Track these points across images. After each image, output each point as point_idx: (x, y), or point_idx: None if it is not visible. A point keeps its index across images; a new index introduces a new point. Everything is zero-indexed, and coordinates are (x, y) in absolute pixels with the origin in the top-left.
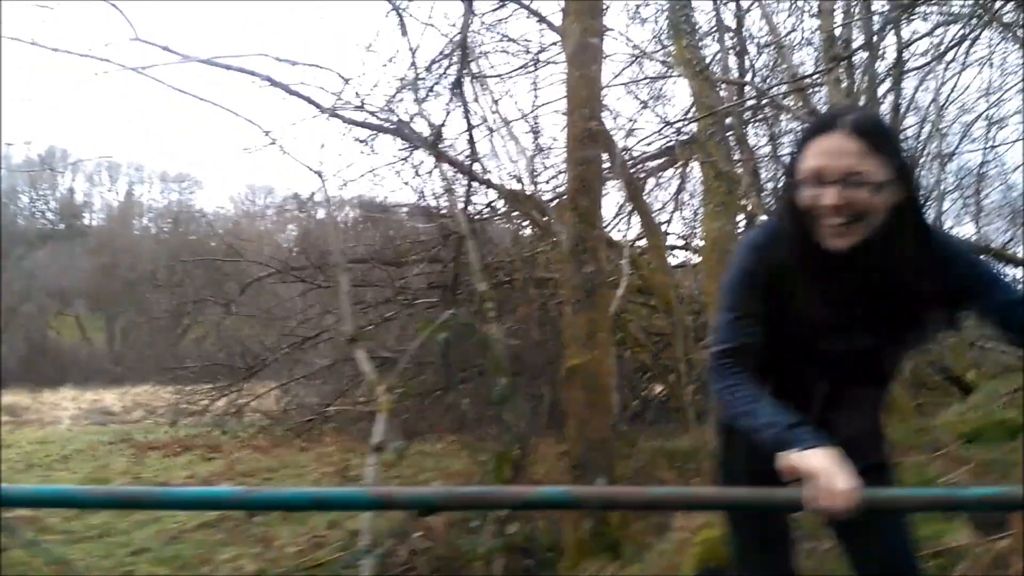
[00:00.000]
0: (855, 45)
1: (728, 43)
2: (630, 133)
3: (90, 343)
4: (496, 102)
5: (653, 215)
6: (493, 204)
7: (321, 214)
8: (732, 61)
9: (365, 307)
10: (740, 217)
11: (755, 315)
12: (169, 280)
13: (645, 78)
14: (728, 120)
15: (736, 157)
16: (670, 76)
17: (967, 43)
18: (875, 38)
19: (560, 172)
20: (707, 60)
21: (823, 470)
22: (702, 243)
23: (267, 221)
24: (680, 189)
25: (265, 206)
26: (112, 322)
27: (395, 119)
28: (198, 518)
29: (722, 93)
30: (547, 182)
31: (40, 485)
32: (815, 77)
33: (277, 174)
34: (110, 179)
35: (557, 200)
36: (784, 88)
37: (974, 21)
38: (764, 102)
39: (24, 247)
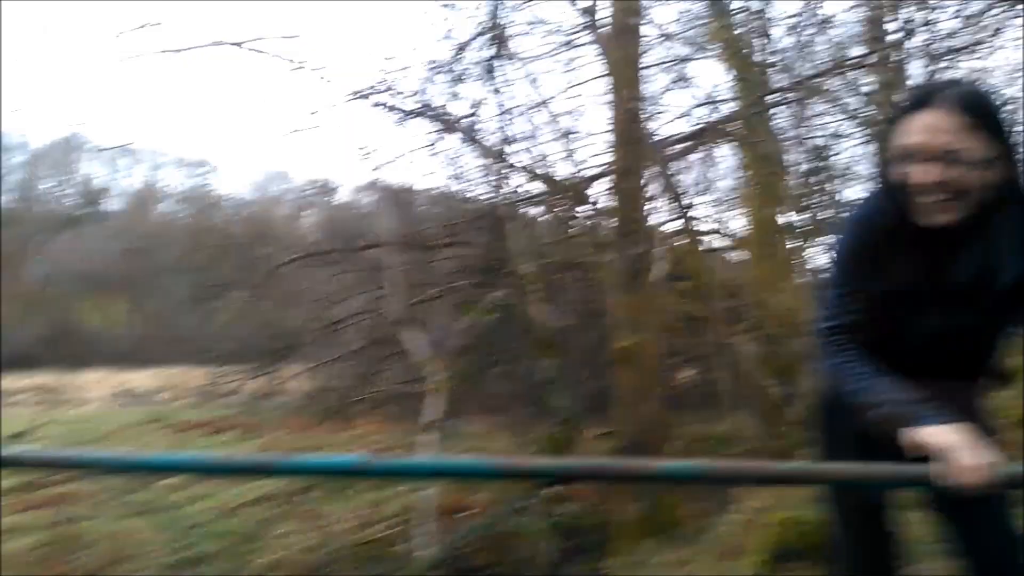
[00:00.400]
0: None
1: (759, 23)
2: (659, 114)
3: (115, 326)
4: (529, 84)
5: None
6: (528, 187)
7: (343, 198)
8: (763, 42)
9: (391, 288)
10: (786, 201)
11: (862, 291)
12: (193, 264)
13: (675, 59)
14: (771, 101)
15: (779, 139)
16: (702, 57)
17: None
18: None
19: (597, 154)
20: (745, 40)
21: (956, 445)
22: (739, 227)
23: (286, 206)
24: (708, 172)
25: (284, 191)
26: (136, 305)
27: (428, 102)
28: (250, 494)
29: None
30: (582, 165)
31: (167, 453)
32: (866, 58)
33: (293, 160)
34: (130, 164)
35: (597, 183)
36: (829, 70)
37: None
38: (817, 83)
39: (49, 232)
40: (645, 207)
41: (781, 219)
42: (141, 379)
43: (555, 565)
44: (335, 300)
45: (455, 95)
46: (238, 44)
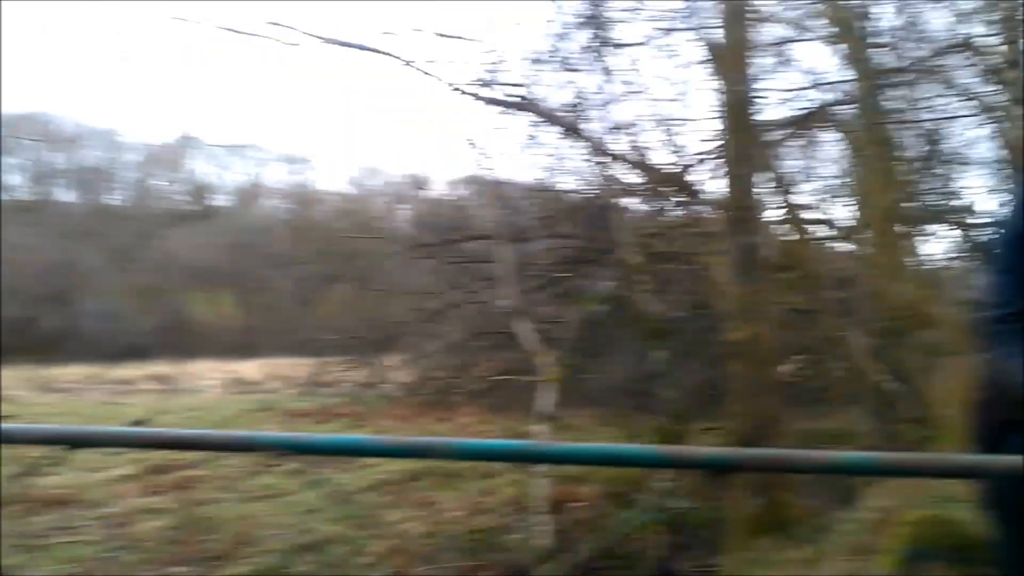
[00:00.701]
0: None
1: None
2: (768, 100)
3: (223, 318)
4: (632, 72)
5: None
6: (631, 177)
7: (438, 192)
8: (875, 22)
9: (493, 280)
10: (903, 187)
11: None
12: (296, 258)
13: (783, 40)
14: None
15: (894, 123)
16: (808, 39)
17: None
18: None
19: (703, 142)
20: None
21: None
22: (849, 215)
23: (381, 200)
24: (817, 158)
25: (380, 186)
26: (243, 298)
27: (529, 94)
28: (364, 480)
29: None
30: (686, 153)
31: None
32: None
33: (390, 154)
34: (237, 162)
35: (703, 171)
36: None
37: None
38: (931, 63)
39: (161, 227)
40: (757, 195)
41: (898, 206)
42: (248, 369)
43: (665, 559)
44: (435, 292)
45: (556, 86)
46: (343, 43)
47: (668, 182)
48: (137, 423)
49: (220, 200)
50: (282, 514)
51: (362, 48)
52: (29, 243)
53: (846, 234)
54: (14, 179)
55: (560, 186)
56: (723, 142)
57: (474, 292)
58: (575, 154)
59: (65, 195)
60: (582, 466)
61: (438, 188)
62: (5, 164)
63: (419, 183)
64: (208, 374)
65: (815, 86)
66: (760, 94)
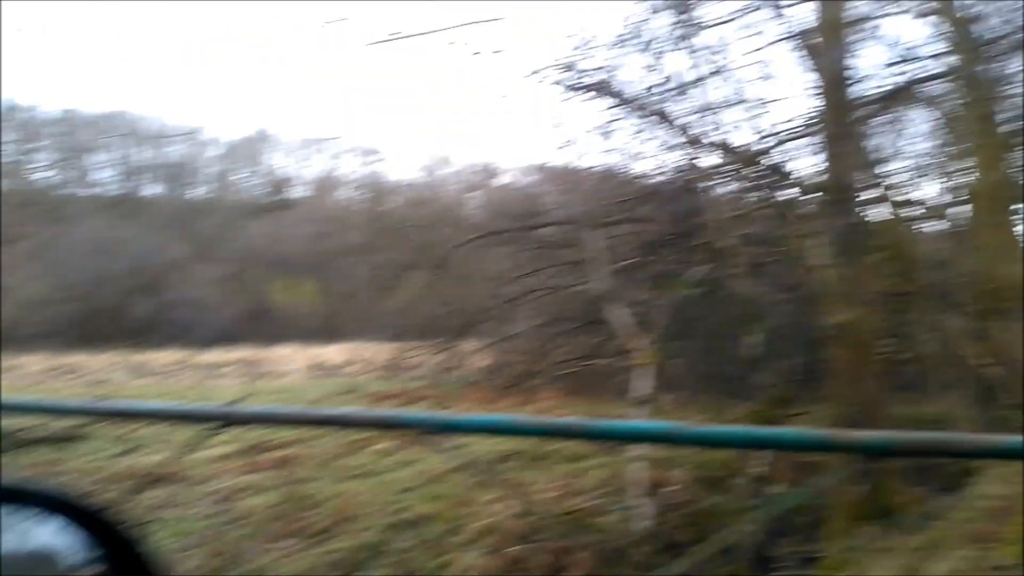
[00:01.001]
0: None
1: None
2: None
3: (303, 305)
4: (716, 52)
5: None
6: (717, 159)
7: (511, 180)
8: None
9: (572, 265)
10: (1010, 162)
11: None
12: (373, 246)
13: (878, 16)
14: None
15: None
16: (902, 12)
17: None
18: None
19: (793, 121)
20: None
21: None
22: (948, 195)
23: (453, 188)
24: (912, 136)
25: (452, 174)
26: (322, 285)
27: (609, 78)
28: (451, 461)
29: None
30: (774, 133)
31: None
32: None
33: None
34: (313, 155)
35: (793, 151)
36: None
37: None
38: None
39: (243, 219)
40: (854, 174)
41: (1006, 183)
42: (329, 354)
43: (761, 545)
44: (513, 278)
45: (638, 69)
46: (418, 34)
47: (756, 164)
48: (230, 404)
49: (298, 192)
50: (377, 492)
51: (436, 38)
52: (121, 236)
53: (941, 213)
54: (105, 175)
55: (641, 170)
56: (817, 121)
57: (552, 277)
58: (657, 137)
59: (153, 190)
60: (729, 449)
61: (511, 175)
62: (97, 161)
63: (492, 171)
64: (291, 358)
65: (909, 60)
66: (855, 71)
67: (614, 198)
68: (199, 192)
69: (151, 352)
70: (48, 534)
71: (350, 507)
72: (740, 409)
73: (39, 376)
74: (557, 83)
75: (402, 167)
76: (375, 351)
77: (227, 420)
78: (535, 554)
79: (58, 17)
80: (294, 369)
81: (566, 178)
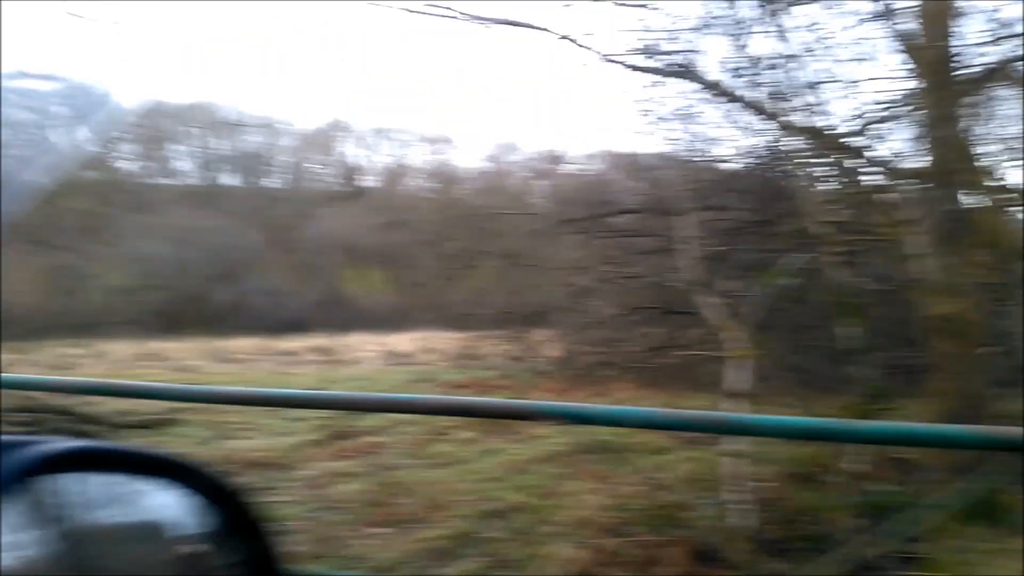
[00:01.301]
0: None
1: None
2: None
3: (374, 293)
4: (805, 31)
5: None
6: (806, 144)
7: (582, 166)
8: None
9: (649, 254)
10: None
11: None
12: (442, 235)
13: None
14: None
15: None
16: None
17: None
18: None
19: (886, 104)
20: None
21: None
22: None
23: (523, 176)
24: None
25: (520, 161)
26: (393, 274)
27: (689, 61)
28: (536, 451)
29: None
30: (864, 116)
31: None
32: None
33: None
34: (383, 143)
35: (890, 134)
36: None
37: None
38: None
39: (316, 208)
40: (959, 159)
41: None
42: (400, 342)
43: (862, 544)
44: (585, 267)
45: (721, 50)
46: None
47: (847, 148)
48: (316, 390)
49: (369, 181)
50: (463, 481)
51: (509, 23)
52: (201, 225)
53: None
54: (185, 165)
55: (723, 155)
56: (915, 103)
57: (628, 266)
58: (741, 121)
59: (230, 180)
60: (825, 443)
61: (582, 162)
62: (178, 151)
63: (561, 158)
64: (363, 346)
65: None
66: (957, 49)
67: (695, 184)
68: (274, 182)
69: (231, 339)
70: (166, 501)
71: (439, 495)
72: (835, 403)
73: (128, 362)
74: (635, 67)
75: (471, 155)
76: (445, 340)
77: (314, 406)
78: (628, 548)
79: (139, 9)
80: (367, 357)
81: (643, 164)
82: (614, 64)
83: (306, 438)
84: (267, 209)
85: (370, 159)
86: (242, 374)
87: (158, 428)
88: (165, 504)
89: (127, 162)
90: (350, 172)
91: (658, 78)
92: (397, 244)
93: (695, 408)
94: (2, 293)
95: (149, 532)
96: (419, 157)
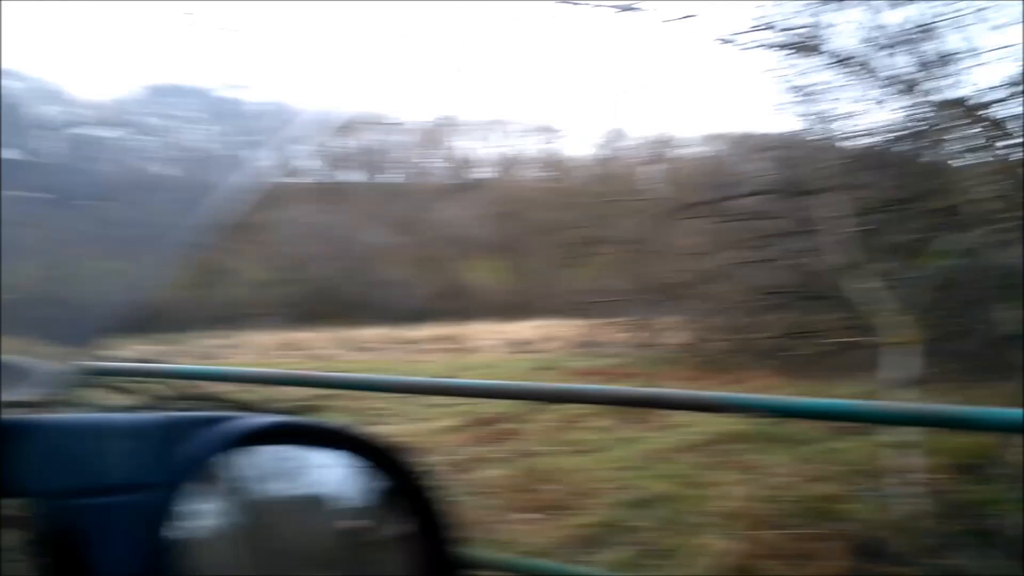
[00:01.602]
0: None
1: None
2: None
3: (493, 282)
4: None
5: None
6: (946, 118)
7: (699, 149)
8: None
9: (780, 236)
10: None
11: None
12: (557, 223)
13: None
14: None
15: None
16: None
17: None
18: None
19: None
20: None
21: None
22: None
23: (637, 161)
24: None
25: (633, 147)
26: (511, 263)
27: (813, 35)
28: (676, 440)
29: None
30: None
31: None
32: None
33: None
34: (494, 135)
35: None
36: None
37: None
38: None
39: (434, 201)
40: None
41: None
42: (520, 330)
43: None
44: (709, 251)
45: (851, 21)
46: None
47: (996, 120)
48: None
49: (483, 172)
50: (604, 468)
51: (619, 7)
52: (328, 221)
53: None
54: (314, 164)
55: (859, 131)
56: None
57: (757, 249)
58: (878, 96)
59: (354, 176)
60: (993, 433)
61: (699, 145)
62: (303, 150)
63: (676, 142)
64: (485, 335)
65: None
66: None
67: (834, 163)
68: (394, 177)
69: (360, 328)
70: (345, 474)
71: (582, 482)
72: (999, 390)
73: (269, 351)
74: (763, 44)
75: (583, 143)
76: (566, 328)
77: (450, 393)
78: (784, 541)
79: (260, 13)
80: (490, 345)
81: (769, 144)
82: (738, 41)
83: (445, 424)
84: (389, 203)
85: (484, 151)
86: (374, 362)
87: (305, 414)
88: (344, 477)
89: (258, 163)
90: (465, 165)
91: (787, 53)
92: (514, 233)
93: (848, 397)
94: (159, 290)
95: (327, 504)
96: (532, 147)
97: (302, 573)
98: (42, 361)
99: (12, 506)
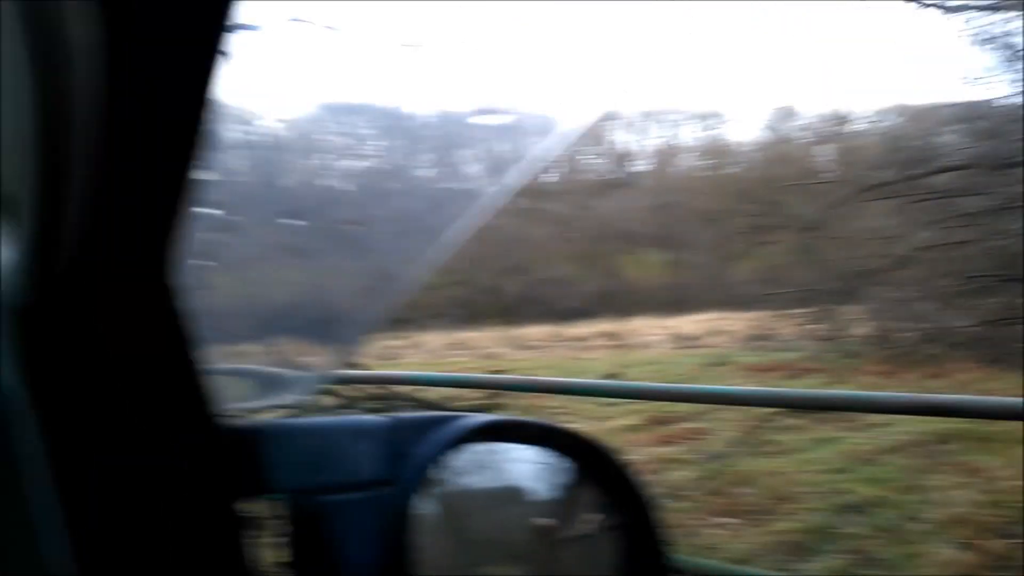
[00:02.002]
0: None
1: None
2: None
3: (654, 277)
4: None
5: None
6: None
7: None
8: None
9: (965, 217)
10: None
11: None
12: (720, 212)
13: None
14: None
15: None
16: None
17: None
18: None
19: None
20: None
21: None
22: None
23: (806, 141)
24: None
25: (801, 126)
26: (671, 256)
27: None
28: (879, 441)
29: None
30: None
31: None
32: None
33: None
34: (652, 126)
35: None
36: None
37: None
38: None
39: (593, 197)
40: None
41: None
42: (685, 325)
43: None
44: (898, 234)
45: None
46: None
47: None
48: (611, 376)
49: (643, 165)
50: (803, 471)
51: None
52: (490, 222)
53: None
54: (473, 169)
55: None
56: None
57: (954, 230)
58: None
59: (515, 180)
60: None
61: (878, 120)
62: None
63: (852, 118)
64: (648, 330)
65: None
66: None
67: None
68: (551, 176)
69: (524, 327)
70: (554, 471)
71: (781, 486)
72: None
73: (440, 351)
74: (962, 4)
75: (749, 127)
76: (734, 321)
77: (634, 396)
78: (1018, 552)
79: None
80: (654, 341)
81: (965, 115)
82: (933, 7)
83: (623, 423)
84: (546, 202)
85: (644, 143)
86: (540, 360)
87: (486, 412)
88: (555, 474)
89: (422, 171)
90: (625, 158)
91: (996, 9)
92: (676, 226)
93: None
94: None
95: (540, 501)
96: (691, 136)
97: (522, 570)
98: (290, 369)
99: (265, 503)
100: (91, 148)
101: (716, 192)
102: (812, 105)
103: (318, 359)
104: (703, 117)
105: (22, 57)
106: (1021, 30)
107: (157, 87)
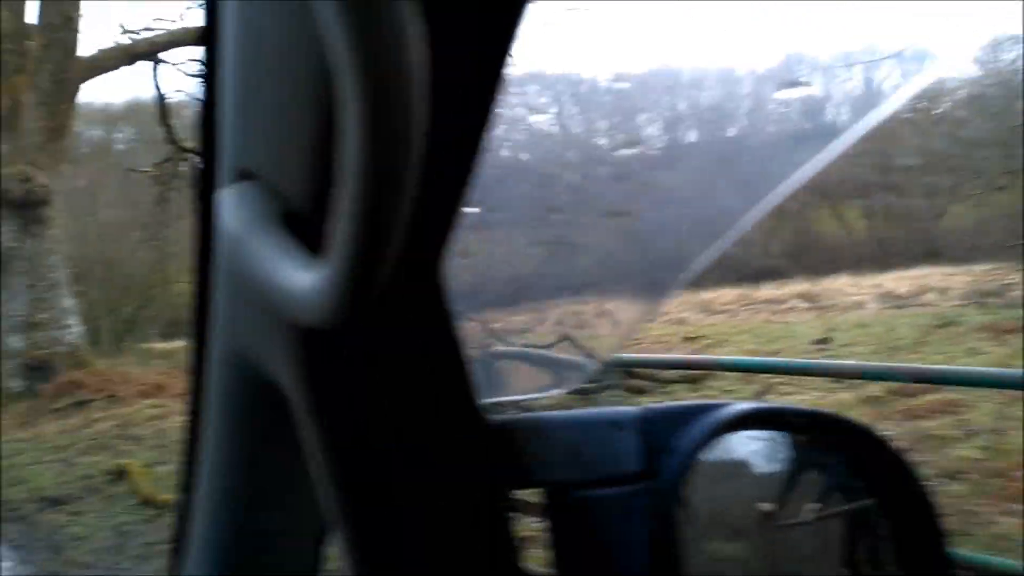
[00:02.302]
0: None
1: None
2: None
3: (851, 232)
4: None
5: None
6: None
7: None
8: None
9: None
10: None
11: None
12: (925, 160)
13: None
14: None
15: None
16: None
17: None
18: None
19: None
20: None
21: None
22: None
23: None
24: None
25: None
26: (870, 210)
27: None
28: None
29: None
30: None
31: None
32: None
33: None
34: (847, 72)
35: None
36: None
37: None
38: None
39: (780, 150)
40: None
41: None
42: (890, 283)
43: None
44: None
45: None
46: None
47: None
48: (821, 341)
49: (834, 114)
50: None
51: None
52: (669, 184)
53: None
54: (650, 131)
55: None
56: None
57: None
58: None
59: (691, 136)
60: None
61: None
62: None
63: None
64: (848, 290)
65: None
66: None
67: None
68: (734, 132)
69: (710, 291)
70: (824, 461)
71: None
72: None
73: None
74: None
75: (953, 63)
76: (948, 277)
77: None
78: None
79: None
80: (858, 302)
81: None
82: None
83: (858, 394)
84: (732, 160)
85: (835, 89)
86: (730, 325)
87: (695, 383)
88: (817, 462)
89: (602, 138)
90: (813, 107)
91: None
92: (872, 177)
93: None
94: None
95: (804, 490)
96: (891, 79)
97: (789, 563)
98: (571, 355)
99: (527, 496)
100: (418, 153)
101: (923, 137)
102: None
103: (585, 348)
104: (906, 57)
105: (350, 63)
106: None
107: (457, 88)
